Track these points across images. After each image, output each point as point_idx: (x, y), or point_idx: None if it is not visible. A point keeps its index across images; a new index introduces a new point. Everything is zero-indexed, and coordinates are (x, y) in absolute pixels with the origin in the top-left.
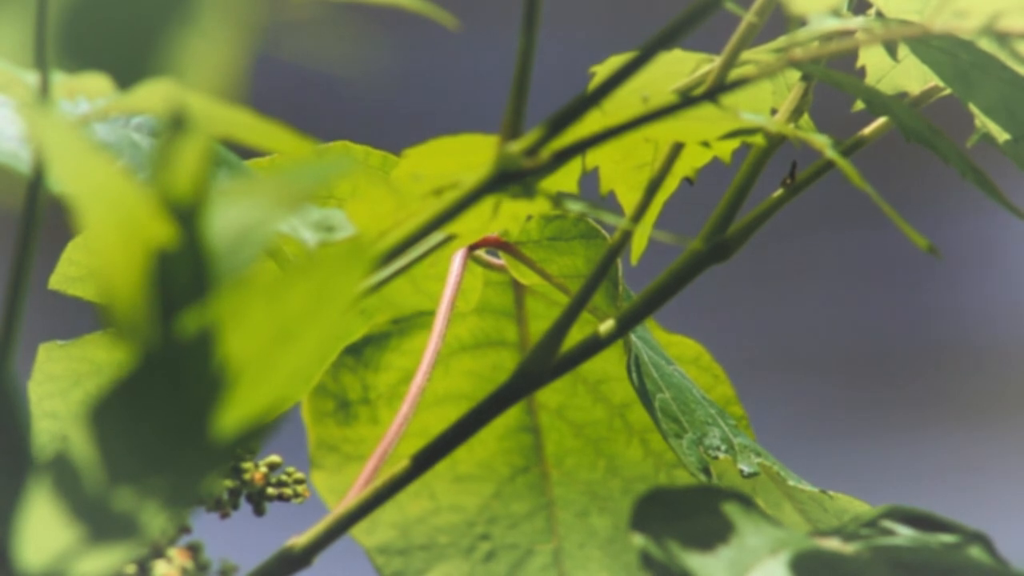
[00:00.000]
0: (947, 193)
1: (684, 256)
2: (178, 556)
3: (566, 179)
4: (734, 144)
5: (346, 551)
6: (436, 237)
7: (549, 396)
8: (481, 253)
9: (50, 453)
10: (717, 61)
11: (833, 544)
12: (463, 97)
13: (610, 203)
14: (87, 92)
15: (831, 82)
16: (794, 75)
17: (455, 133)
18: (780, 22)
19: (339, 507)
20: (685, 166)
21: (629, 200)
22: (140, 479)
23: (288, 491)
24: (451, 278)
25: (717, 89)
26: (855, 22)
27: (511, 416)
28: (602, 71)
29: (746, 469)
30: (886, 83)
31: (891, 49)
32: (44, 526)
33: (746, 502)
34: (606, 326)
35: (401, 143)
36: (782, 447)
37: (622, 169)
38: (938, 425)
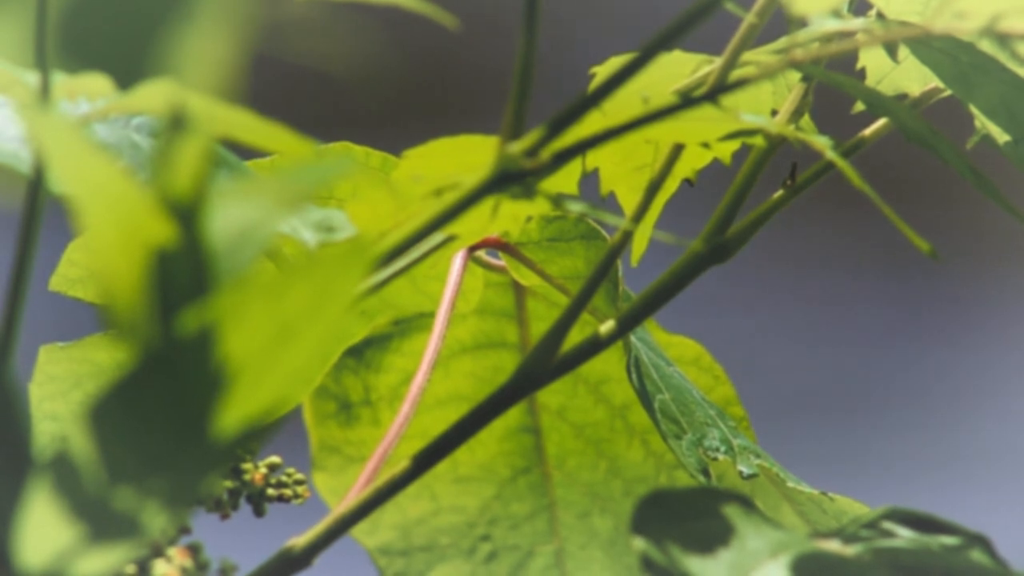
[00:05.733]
0: (947, 194)
1: (684, 257)
2: (178, 556)
3: (566, 180)
4: (734, 145)
5: (347, 552)
6: (436, 238)
7: (550, 397)
8: (481, 254)
9: (50, 453)
10: (718, 62)
11: (833, 546)
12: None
13: (610, 204)
14: (87, 92)
15: (831, 83)
16: (794, 76)
17: (455, 134)
18: (781, 23)
19: (339, 507)
20: (685, 167)
21: (629, 201)
22: (140, 479)
23: (288, 492)
24: (451, 279)
25: (717, 90)
26: (855, 23)
27: (512, 417)
28: (602, 72)
29: (745, 471)
30: (886, 84)
31: (891, 50)
32: (44, 526)
33: (746, 504)
34: (606, 327)
35: (401, 144)
36: (782, 449)
37: (622, 170)
38: (939, 427)
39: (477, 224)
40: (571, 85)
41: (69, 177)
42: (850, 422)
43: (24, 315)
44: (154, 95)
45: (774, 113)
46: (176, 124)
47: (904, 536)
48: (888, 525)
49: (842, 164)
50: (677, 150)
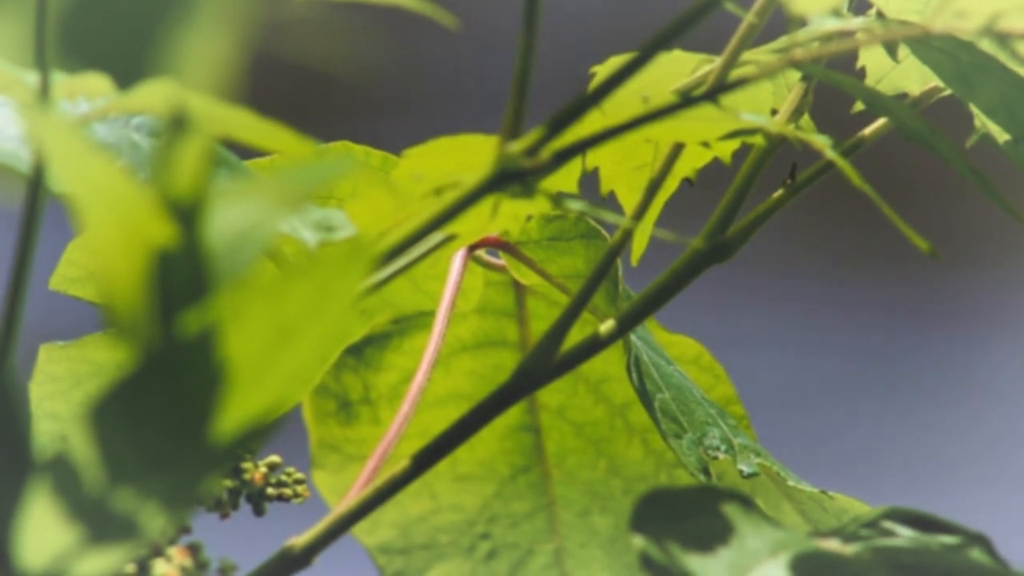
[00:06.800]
0: (947, 194)
1: (684, 256)
2: (177, 555)
3: (566, 179)
4: (734, 144)
5: (347, 551)
6: (436, 237)
7: (550, 396)
8: (481, 253)
9: (50, 453)
10: (717, 61)
11: (833, 545)
12: (464, 95)
13: (611, 203)
14: (87, 92)
15: (831, 83)
16: (794, 75)
17: (455, 133)
18: (781, 23)
19: (339, 507)
20: (685, 166)
21: (629, 200)
22: (140, 479)
23: (288, 491)
24: (451, 278)
25: (717, 89)
26: (855, 23)
27: (512, 416)
28: (602, 71)
29: (745, 469)
30: (886, 84)
31: (891, 50)
32: (44, 526)
33: (746, 503)
34: (606, 326)
35: (401, 143)
36: (783, 447)
37: (622, 169)
38: (939, 426)
39: (477, 223)
40: (571, 85)
41: (69, 177)
42: (850, 421)
43: (24, 314)
44: (154, 95)
45: (774, 112)
46: (176, 124)
47: (904, 535)
48: (888, 524)
49: (842, 163)
50: (677, 149)
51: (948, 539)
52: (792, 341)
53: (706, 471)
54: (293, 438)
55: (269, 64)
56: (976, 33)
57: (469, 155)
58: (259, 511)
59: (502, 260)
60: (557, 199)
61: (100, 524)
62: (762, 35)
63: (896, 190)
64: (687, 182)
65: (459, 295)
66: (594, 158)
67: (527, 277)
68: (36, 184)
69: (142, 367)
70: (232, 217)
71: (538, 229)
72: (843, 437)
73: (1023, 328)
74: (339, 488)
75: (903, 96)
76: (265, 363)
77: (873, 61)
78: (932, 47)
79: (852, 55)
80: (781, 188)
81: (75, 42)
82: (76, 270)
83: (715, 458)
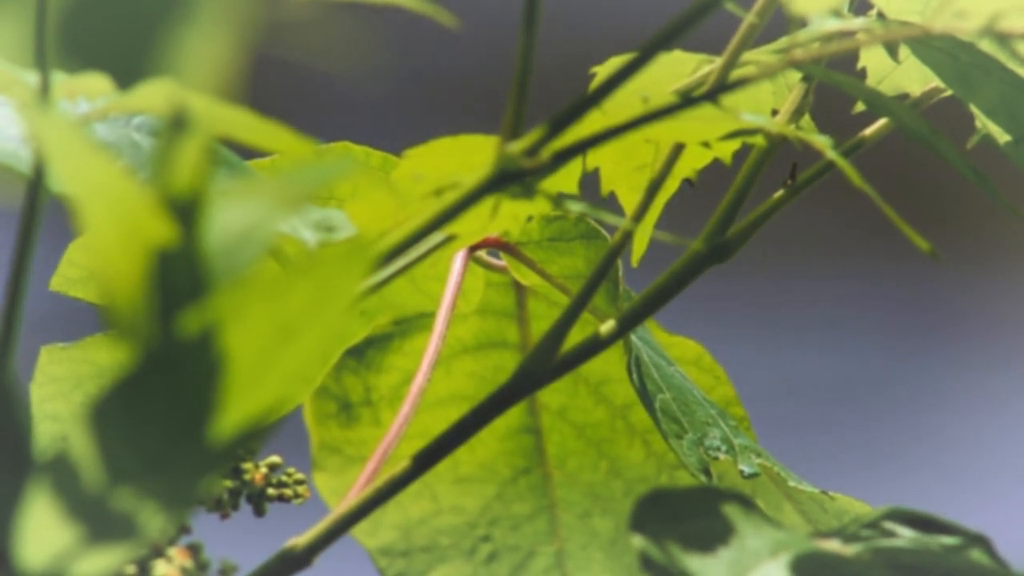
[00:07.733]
0: (947, 194)
1: (685, 257)
2: (178, 556)
3: (567, 180)
4: (735, 145)
5: (347, 552)
6: (436, 238)
7: (551, 397)
8: (482, 254)
9: (51, 453)
10: (718, 62)
11: (833, 546)
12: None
13: (611, 204)
14: (87, 92)
15: (832, 83)
16: (795, 76)
17: (455, 133)
18: (781, 23)
19: (339, 508)
20: (686, 167)
21: (630, 201)
22: (140, 479)
23: (288, 492)
24: (452, 279)
25: (718, 90)
26: (856, 23)
27: (513, 417)
28: (603, 71)
29: (746, 470)
30: (887, 84)
31: (892, 50)
32: (44, 526)
33: (746, 503)
34: (607, 327)
35: (401, 143)
36: (783, 448)
37: (623, 170)
38: (939, 427)
39: (477, 224)
40: (571, 85)
41: (69, 177)
42: (851, 421)
43: (24, 315)
44: (154, 95)
45: (774, 113)
46: (176, 124)
47: (904, 536)
48: (888, 525)
49: (842, 164)
50: (677, 150)
51: (948, 539)
52: (792, 341)
53: (707, 471)
54: (294, 440)
55: (269, 64)
56: (976, 33)
57: (469, 155)
58: (259, 511)
59: (503, 261)
60: (557, 200)
61: (100, 524)
62: (762, 35)
63: (896, 190)
64: (688, 183)
65: (460, 296)
66: (594, 158)
67: (528, 278)
68: (36, 184)
69: (142, 366)
70: (232, 217)
71: (538, 230)
72: (843, 437)
73: (1023, 328)
74: (340, 490)
75: (904, 96)
76: (265, 363)
77: (874, 61)
78: (933, 47)
79: (853, 55)
80: (781, 188)
81: (75, 42)
82: (76, 270)
83: (716, 458)
